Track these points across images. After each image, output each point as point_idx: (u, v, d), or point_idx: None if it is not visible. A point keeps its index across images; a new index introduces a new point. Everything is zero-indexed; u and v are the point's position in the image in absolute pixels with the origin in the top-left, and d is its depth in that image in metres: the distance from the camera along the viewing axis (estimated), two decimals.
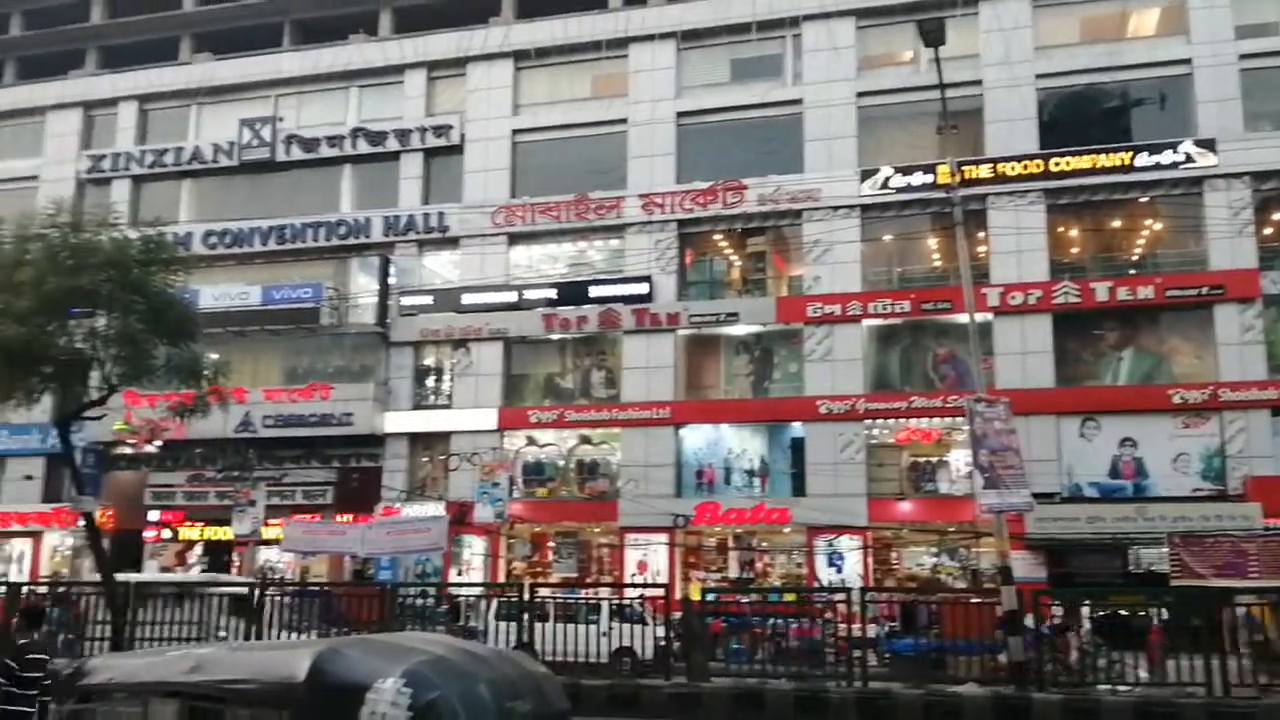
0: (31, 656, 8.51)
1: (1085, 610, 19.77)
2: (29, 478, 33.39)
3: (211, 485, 30.99)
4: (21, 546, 33.32)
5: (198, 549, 32.31)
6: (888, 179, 28.83)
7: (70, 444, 20.43)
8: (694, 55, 31.58)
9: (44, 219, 19.00)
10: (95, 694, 5.39)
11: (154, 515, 32.16)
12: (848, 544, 27.29)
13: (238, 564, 30.16)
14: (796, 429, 29.10)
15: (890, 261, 29.82)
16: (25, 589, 22.76)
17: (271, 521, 27.77)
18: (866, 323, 28.78)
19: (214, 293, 30.61)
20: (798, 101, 30.12)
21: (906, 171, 28.62)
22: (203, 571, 30.95)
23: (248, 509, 26.93)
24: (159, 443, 29.63)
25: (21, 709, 8.28)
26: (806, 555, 27.76)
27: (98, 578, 20.32)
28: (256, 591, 19.14)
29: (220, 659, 5.35)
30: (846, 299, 28.62)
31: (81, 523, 24.18)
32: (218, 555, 31.62)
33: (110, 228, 19.05)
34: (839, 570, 26.98)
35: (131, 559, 30.05)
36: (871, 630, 19.21)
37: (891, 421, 28.55)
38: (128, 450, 31.54)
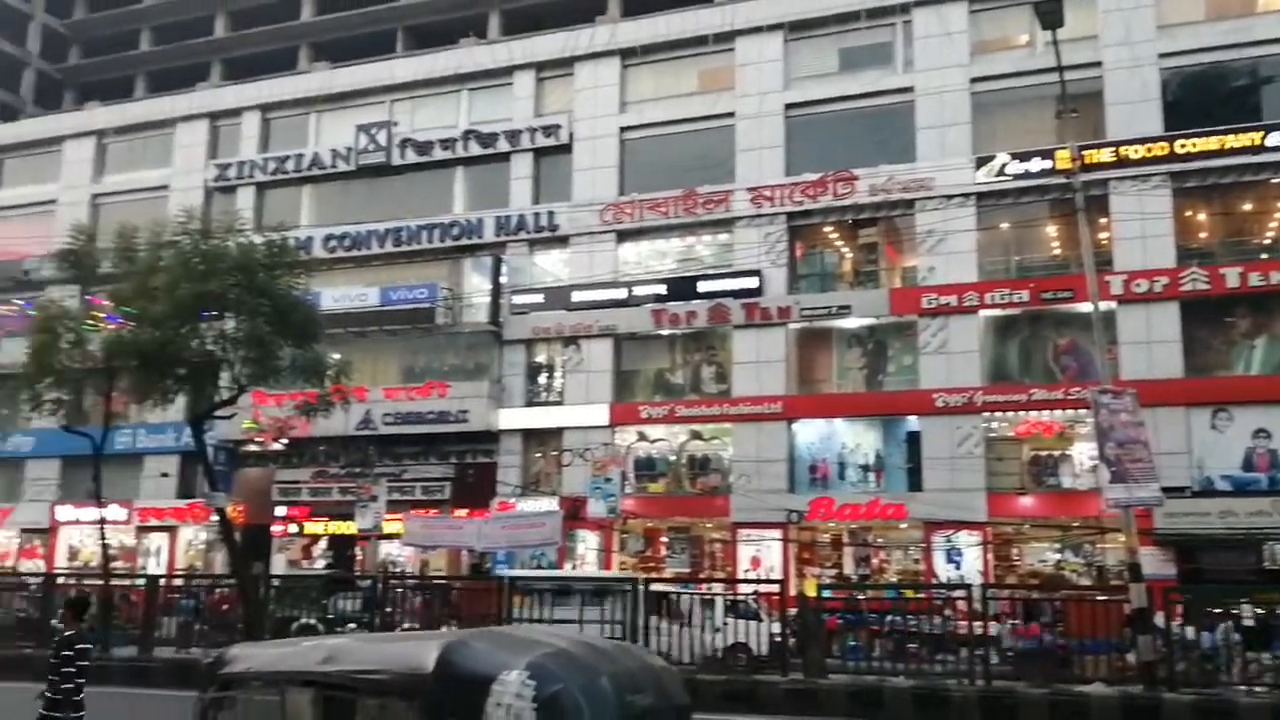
0: (79, 646, 9.04)
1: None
2: (165, 475, 34.87)
3: (335, 481, 31.87)
4: (159, 540, 34.87)
5: (323, 543, 33.35)
6: (1004, 166, 28.10)
7: (203, 442, 21.31)
8: (802, 46, 31.27)
9: (176, 227, 19.89)
10: (235, 682, 5.61)
11: (281, 510, 33.25)
12: (966, 540, 26.71)
13: (360, 558, 31.04)
14: (912, 423, 28.60)
15: (1008, 250, 29.07)
16: (161, 580, 23.83)
17: (392, 516, 28.50)
18: (983, 313, 28.12)
19: (334, 295, 31.47)
20: (909, 89, 29.58)
21: (1024, 158, 27.85)
22: (327, 566, 32.00)
23: (369, 504, 27.65)
24: (285, 440, 30.66)
25: (69, 695, 8.83)
26: (924, 551, 27.28)
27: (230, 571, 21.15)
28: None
29: (351, 649, 5.51)
30: (962, 289, 28.00)
31: (214, 518, 25.25)
32: (341, 549, 32.58)
33: (237, 234, 19.84)
34: (958, 567, 26.44)
35: (261, 553, 31.20)
36: (993, 628, 18.79)
37: (1011, 414, 27.83)
38: (255, 448, 32.69)
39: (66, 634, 9.31)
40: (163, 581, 23.57)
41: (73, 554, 35.56)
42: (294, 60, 47.61)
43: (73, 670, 8.91)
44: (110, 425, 23.99)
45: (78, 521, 35.17)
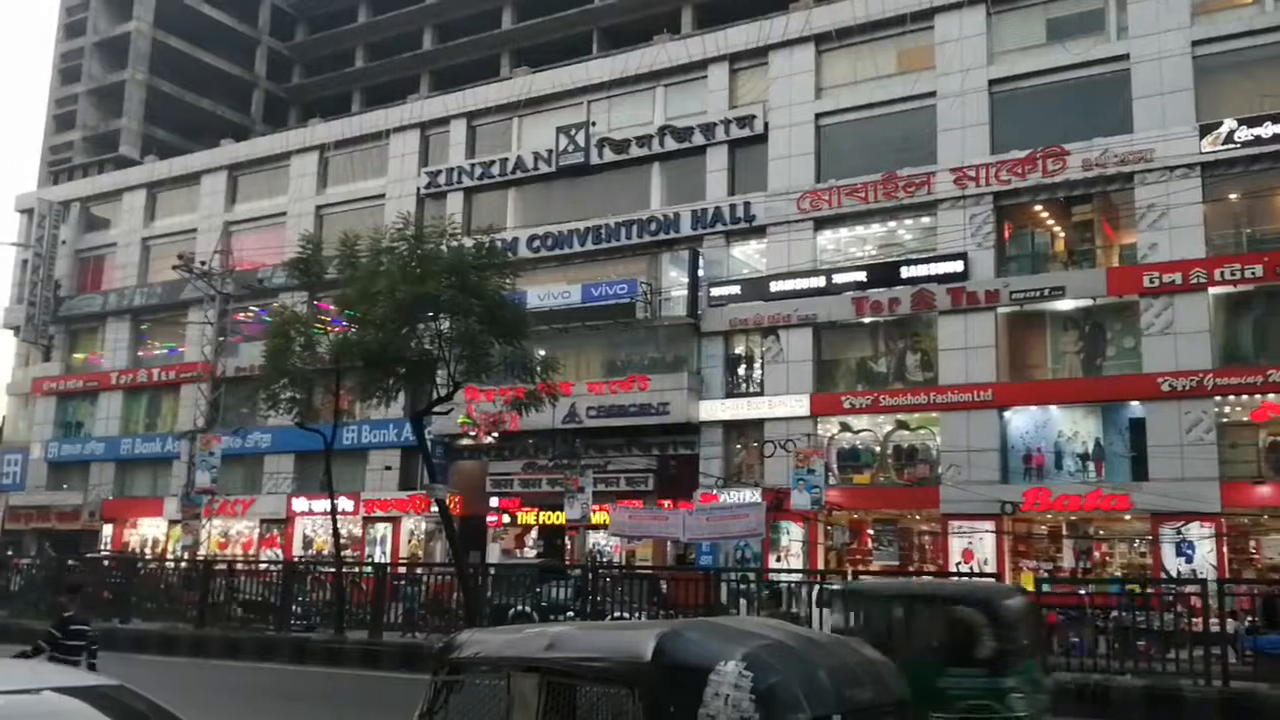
0: (74, 626, 9.87)
1: None
2: (388, 468, 36.82)
3: (543, 473, 32.88)
4: (383, 530, 36.86)
5: (534, 533, 34.48)
6: (1232, 132, 26.16)
7: (424, 437, 22.34)
8: (1006, 19, 30.04)
9: (393, 233, 20.95)
10: (464, 666, 5.88)
11: (494, 501, 34.55)
12: (1198, 532, 25.07)
13: (569, 547, 31.92)
14: (1135, 409, 27.05)
15: (1238, 222, 27.07)
16: (384, 569, 25.15)
17: (598, 507, 29.16)
18: (1213, 291, 26.28)
19: (539, 293, 32.39)
20: (1123, 57, 27.93)
21: (1254, 123, 25.86)
22: (538, 555, 33.05)
23: (577, 495, 28.39)
24: (496, 434, 31.85)
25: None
26: (1151, 544, 25.78)
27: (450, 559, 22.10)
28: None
29: (573, 637, 5.68)
30: (1188, 266, 26.25)
31: (434, 508, 26.49)
32: (551, 539, 33.60)
33: (449, 238, 20.72)
34: (1188, 560, 24.84)
35: (476, 542, 32.55)
36: (1230, 625, 17.59)
37: (1245, 398, 25.94)
38: (469, 442, 34.09)
39: (65, 615, 10.30)
40: (389, 569, 24.95)
41: (307, 543, 38.04)
42: (496, 68, 49.38)
43: (77, 645, 9.84)
44: (339, 422, 25.48)
45: (310, 512, 37.62)
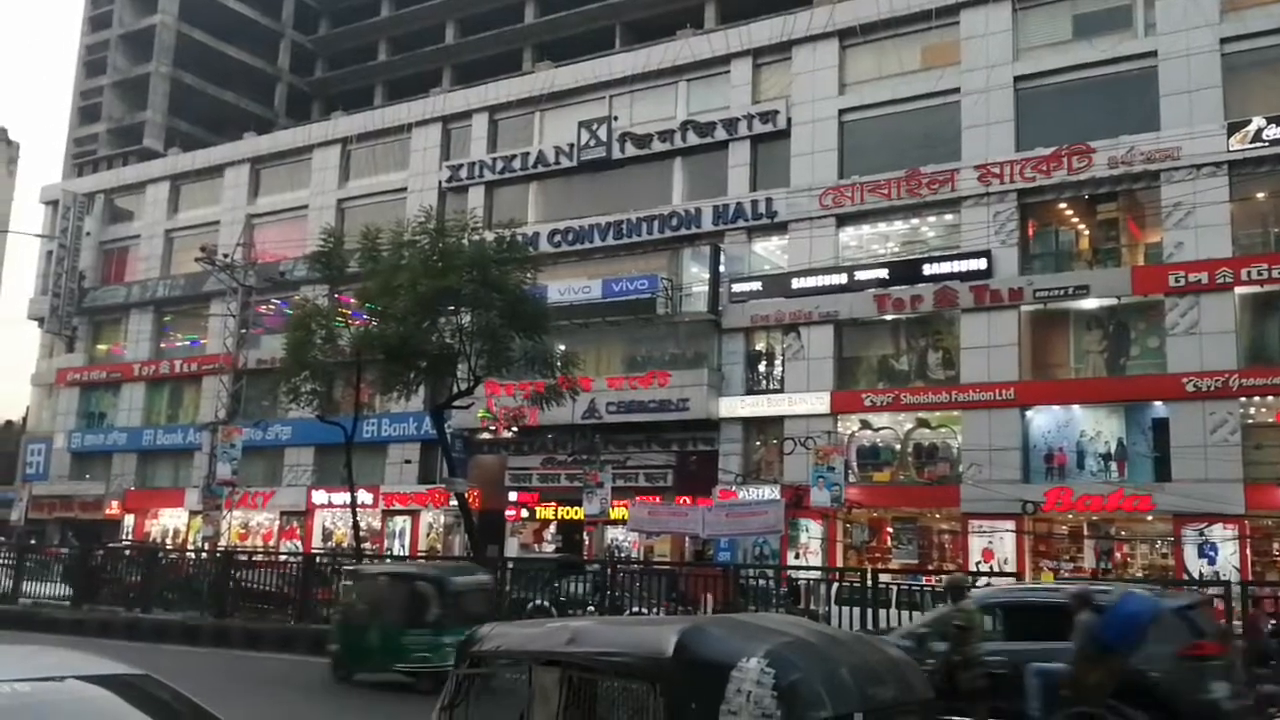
0: None
1: None
2: (408, 462, 36.93)
3: (562, 468, 32.88)
4: (402, 523, 36.99)
5: (552, 528, 34.51)
6: (1260, 130, 25.90)
7: (444, 430, 22.39)
8: (1032, 15, 29.83)
9: (414, 227, 20.98)
10: (486, 659, 5.88)
11: (512, 496, 34.61)
12: (1220, 534, 24.85)
13: (588, 542, 31.94)
14: (1158, 409, 26.84)
15: (1266, 222, 26.84)
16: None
17: (617, 503, 29.16)
18: (1239, 290, 26.03)
19: (559, 288, 32.34)
20: (1151, 54, 27.69)
21: None
22: (556, 550, 33.08)
23: (596, 491, 28.37)
24: (516, 429, 31.88)
25: None
26: (1173, 545, 25.57)
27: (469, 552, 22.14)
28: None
29: (594, 632, 5.67)
30: (1214, 265, 26.01)
31: (453, 502, 26.54)
32: (569, 534, 33.62)
33: (470, 232, 20.75)
34: (1211, 562, 24.63)
35: (495, 537, 32.60)
36: None
37: (1270, 399, 25.72)
38: (488, 436, 34.15)
39: None
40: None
41: (326, 535, 38.21)
42: (518, 62, 49.42)
43: None
44: (359, 415, 25.56)
45: (330, 505, 37.80)
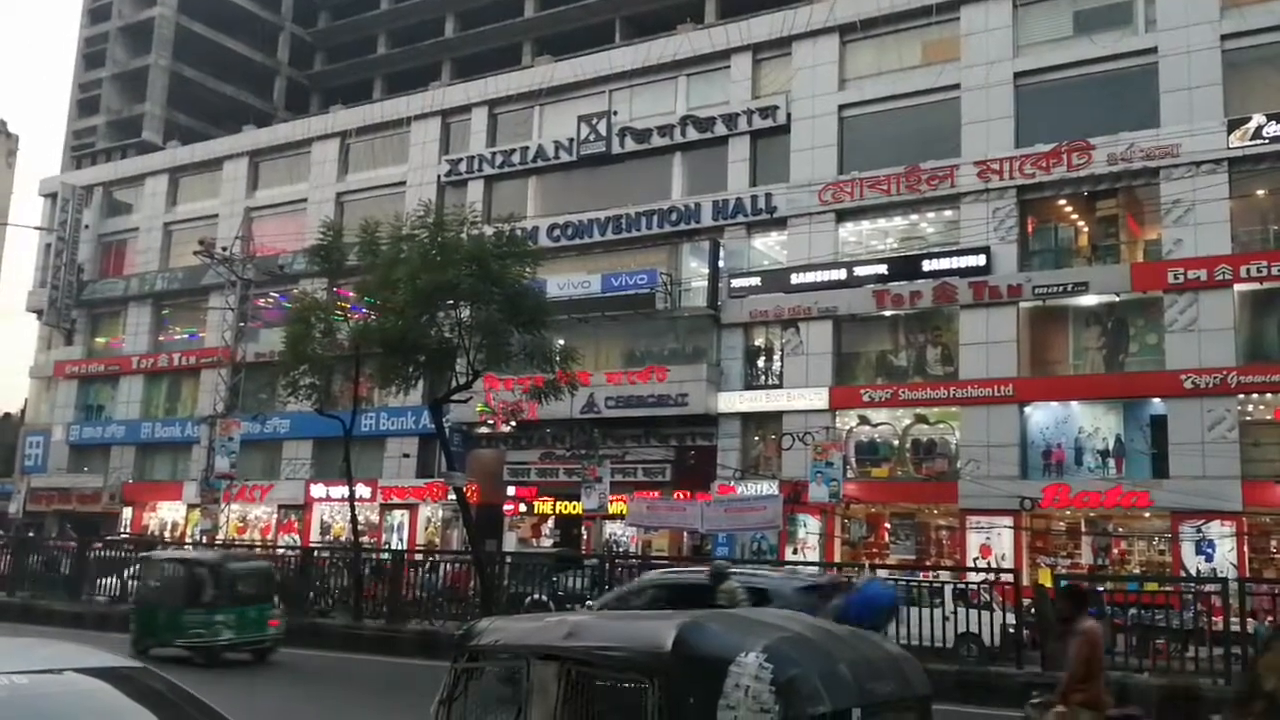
0: None
1: None
2: (406, 455, 36.92)
3: (561, 463, 32.87)
4: (400, 517, 36.99)
5: (550, 522, 34.51)
6: (1260, 127, 25.91)
7: (442, 424, 22.36)
8: (1032, 11, 29.81)
9: (414, 221, 20.93)
10: (484, 653, 5.86)
11: (511, 490, 34.61)
12: (1218, 530, 24.89)
13: (586, 537, 31.94)
14: (1156, 406, 26.88)
15: (1265, 219, 26.86)
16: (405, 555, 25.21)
17: (615, 497, 29.14)
18: (1238, 287, 26.06)
19: (558, 282, 32.31)
20: (1151, 50, 27.68)
21: None
22: (555, 544, 33.08)
23: (594, 485, 28.38)
24: (514, 423, 31.85)
25: None
26: (1171, 542, 25.60)
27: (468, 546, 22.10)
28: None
29: (592, 626, 5.65)
30: (1214, 262, 26.02)
31: (451, 496, 26.52)
32: (568, 528, 33.62)
33: (470, 226, 20.70)
34: (1208, 559, 24.66)
35: (493, 531, 32.59)
36: (1250, 625, 17.44)
37: (1269, 396, 25.75)
38: (487, 430, 34.13)
39: None
40: (405, 556, 25.00)
41: (324, 529, 38.22)
42: (518, 56, 49.35)
43: None
44: (357, 409, 25.52)
45: (328, 498, 37.80)
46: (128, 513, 42.69)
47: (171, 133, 53.54)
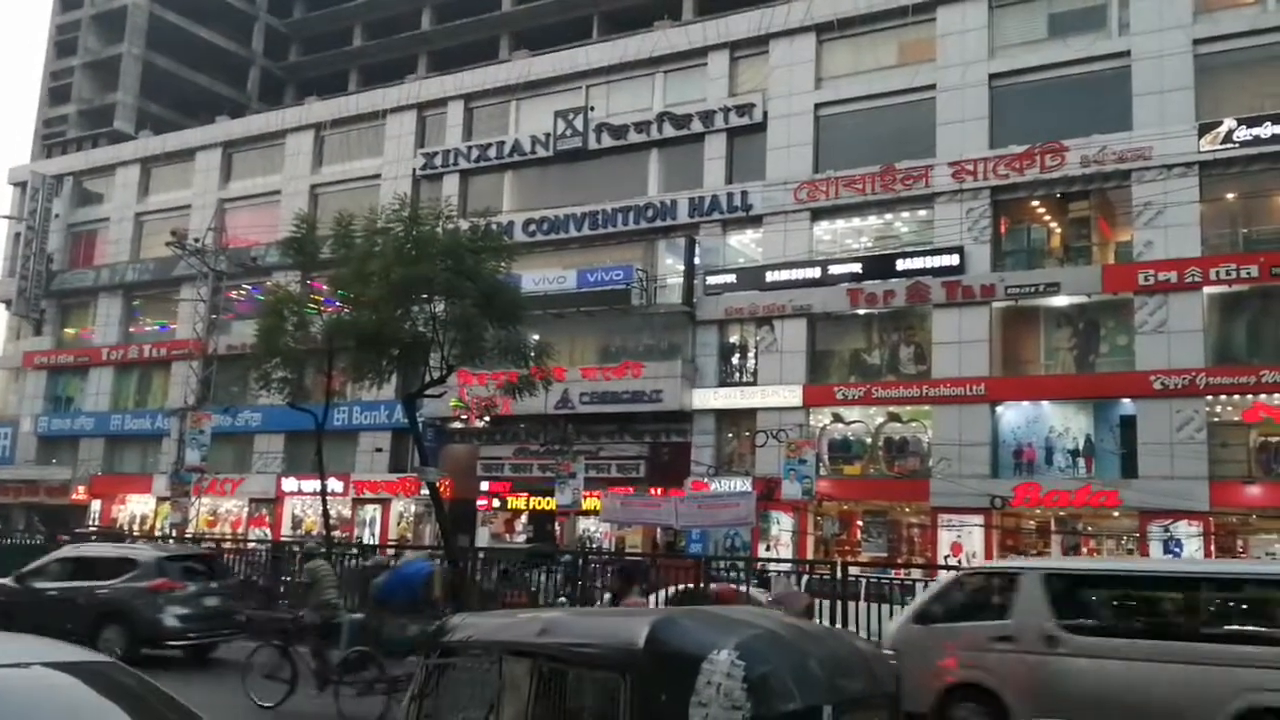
0: None
1: None
2: (379, 450, 36.76)
3: (535, 459, 32.85)
4: (373, 512, 36.84)
5: (524, 518, 34.47)
6: (1231, 132, 26.19)
7: (415, 419, 22.24)
8: (1008, 13, 30.01)
9: (388, 214, 20.80)
10: (456, 650, 5.86)
11: (484, 486, 34.53)
12: (1186, 530, 25.18)
13: (559, 533, 31.93)
14: (1126, 406, 27.14)
15: (1235, 222, 27.14)
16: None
17: (589, 493, 29.14)
18: (1207, 290, 26.35)
19: (534, 278, 32.20)
20: (1124, 54, 27.93)
21: (1253, 123, 25.90)
22: (528, 540, 33.04)
23: (568, 481, 28.40)
24: (488, 418, 31.79)
25: None
26: (1139, 541, 25.88)
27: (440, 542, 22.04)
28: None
29: (565, 623, 5.67)
30: (1184, 265, 26.31)
31: (424, 491, 26.43)
32: (541, 524, 33.60)
33: (445, 220, 20.59)
34: (1176, 558, 24.94)
35: (466, 526, 32.51)
36: None
37: (1237, 398, 26.04)
38: (460, 425, 34.05)
39: None
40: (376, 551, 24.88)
41: (296, 523, 37.98)
42: (495, 50, 49.22)
43: None
44: (330, 402, 25.36)
45: (300, 492, 37.58)
46: (96, 505, 42.29)
47: (144, 122, 53.03)
